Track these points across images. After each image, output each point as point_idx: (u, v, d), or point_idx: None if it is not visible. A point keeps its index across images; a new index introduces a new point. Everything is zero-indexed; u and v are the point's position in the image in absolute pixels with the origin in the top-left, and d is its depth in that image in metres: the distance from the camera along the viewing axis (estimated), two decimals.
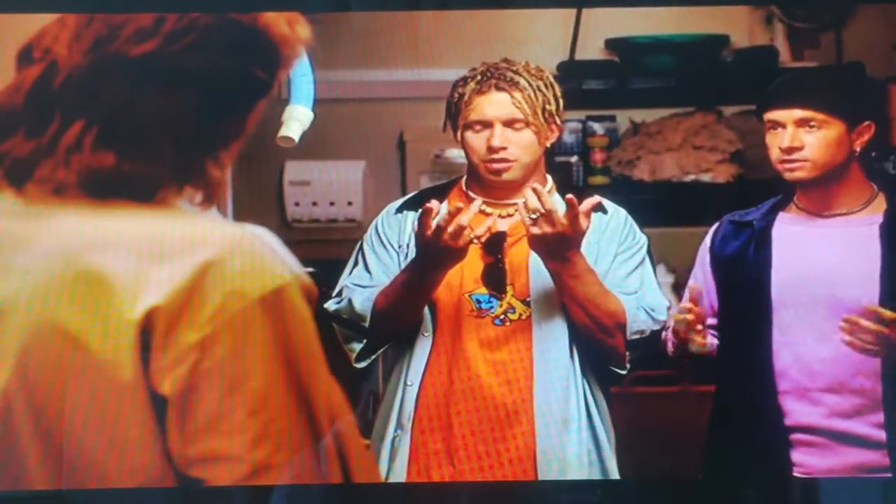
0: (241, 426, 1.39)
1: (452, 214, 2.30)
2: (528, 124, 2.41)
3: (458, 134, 2.46)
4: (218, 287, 1.38)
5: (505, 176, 2.42)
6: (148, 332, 1.38)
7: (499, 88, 2.41)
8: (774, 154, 2.39)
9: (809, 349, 2.36)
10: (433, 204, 2.34)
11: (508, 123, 2.41)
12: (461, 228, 2.30)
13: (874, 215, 2.41)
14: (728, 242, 2.48)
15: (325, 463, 1.46)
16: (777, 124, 2.39)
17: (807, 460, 2.36)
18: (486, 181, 2.45)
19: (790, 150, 2.37)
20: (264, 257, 1.44)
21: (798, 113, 2.37)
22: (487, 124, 2.41)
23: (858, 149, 2.40)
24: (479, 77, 2.43)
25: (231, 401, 1.39)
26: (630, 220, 2.49)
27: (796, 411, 2.37)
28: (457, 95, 2.45)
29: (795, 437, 2.37)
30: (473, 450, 2.40)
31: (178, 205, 1.49)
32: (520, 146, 2.42)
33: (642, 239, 2.49)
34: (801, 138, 2.37)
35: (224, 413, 1.39)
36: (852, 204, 2.42)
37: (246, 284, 1.40)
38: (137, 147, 1.46)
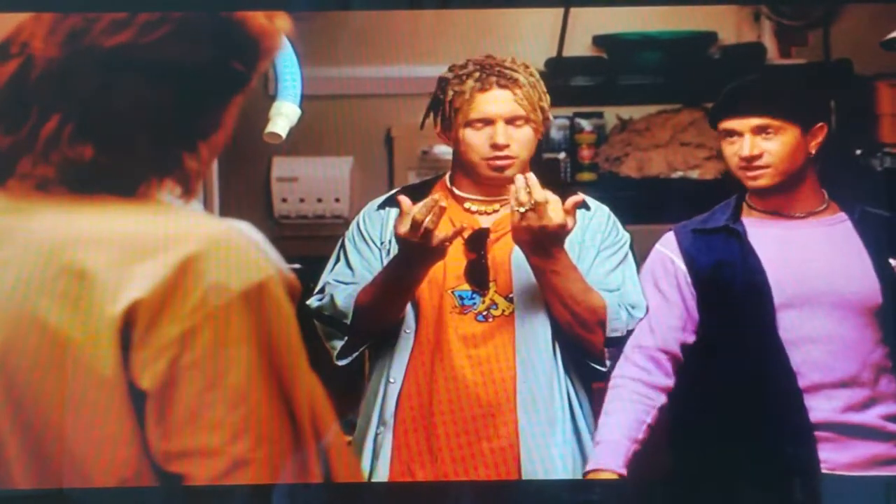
0: (221, 421, 1.39)
1: (423, 214, 2.30)
2: (528, 121, 2.43)
3: (457, 132, 2.44)
4: (200, 281, 1.38)
5: (507, 173, 2.42)
6: (129, 327, 1.38)
7: (500, 86, 2.42)
8: (734, 162, 2.41)
9: (818, 347, 2.37)
10: (403, 199, 2.35)
11: (510, 121, 2.42)
12: (431, 227, 2.30)
13: (839, 213, 2.44)
14: (701, 252, 2.47)
15: (305, 459, 1.46)
16: (733, 133, 2.41)
17: (830, 456, 2.37)
18: (484, 178, 2.45)
19: (751, 159, 2.39)
20: (247, 252, 1.44)
21: (754, 121, 2.39)
22: (489, 122, 2.42)
23: (814, 151, 2.41)
24: (477, 74, 2.43)
25: (211, 395, 1.39)
26: (613, 217, 2.49)
27: (814, 408, 2.37)
28: (452, 93, 2.44)
29: (818, 433, 2.37)
30: (457, 447, 2.40)
31: (159, 199, 1.49)
32: (520, 143, 2.43)
33: (625, 236, 2.49)
34: (760, 145, 2.39)
35: (204, 408, 1.38)
36: (814, 204, 2.44)
37: (228, 279, 1.40)
38: (115, 139, 1.46)
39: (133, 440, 1.41)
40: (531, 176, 2.36)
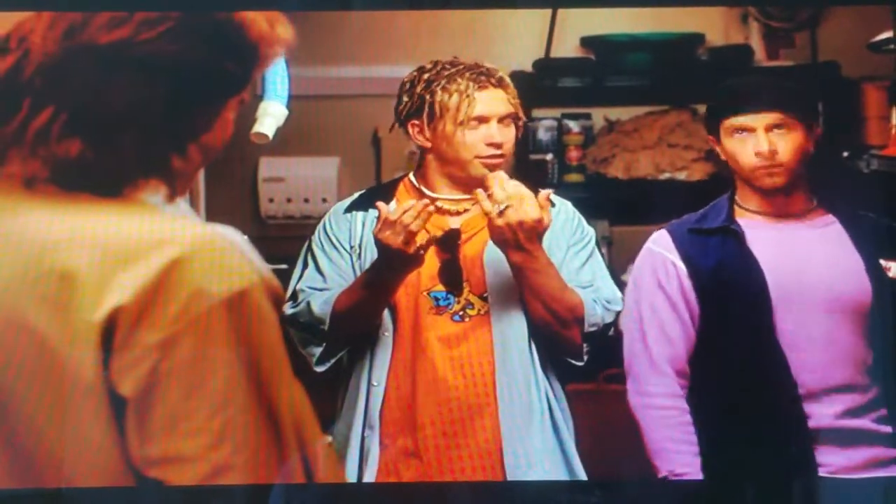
0: (201, 427, 1.38)
1: (412, 219, 2.31)
2: (515, 119, 2.45)
3: (445, 129, 2.44)
4: (182, 287, 1.38)
5: (497, 170, 2.44)
6: (111, 333, 1.37)
7: (494, 85, 2.44)
8: (749, 160, 2.38)
9: (816, 351, 2.36)
10: (382, 205, 2.36)
11: (501, 119, 2.44)
12: (411, 233, 2.31)
13: (826, 215, 2.44)
14: (700, 252, 2.45)
15: (288, 464, 1.45)
16: (746, 129, 2.38)
17: (828, 459, 2.36)
18: (471, 178, 2.44)
19: (772, 154, 2.37)
20: (231, 258, 1.43)
21: (770, 117, 2.37)
22: (484, 120, 2.43)
23: (811, 151, 2.41)
24: (468, 73, 2.44)
25: (191, 402, 1.38)
26: (577, 212, 2.51)
27: (814, 414, 2.36)
28: (442, 91, 2.43)
29: (816, 438, 2.37)
30: (444, 448, 2.40)
31: (145, 200, 1.48)
32: (509, 142, 2.45)
33: (590, 231, 2.51)
34: (774, 142, 2.37)
35: (184, 414, 1.38)
36: (804, 206, 2.44)
37: (211, 285, 1.39)
38: (103, 136, 1.46)
39: (113, 445, 1.40)
40: (502, 173, 2.38)
